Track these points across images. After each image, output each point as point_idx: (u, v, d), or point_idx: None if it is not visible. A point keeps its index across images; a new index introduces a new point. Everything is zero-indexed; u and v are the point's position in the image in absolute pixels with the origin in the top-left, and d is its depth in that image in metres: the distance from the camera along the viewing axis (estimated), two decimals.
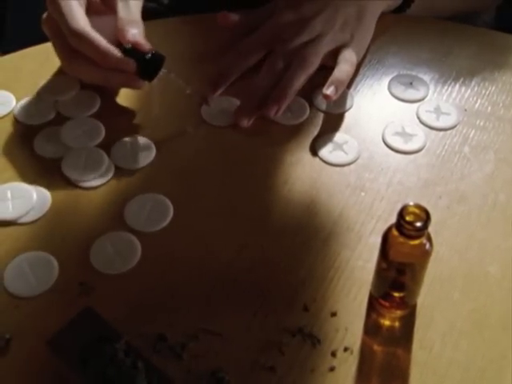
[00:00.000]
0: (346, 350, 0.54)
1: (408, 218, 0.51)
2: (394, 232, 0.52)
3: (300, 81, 0.71)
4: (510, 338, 0.55)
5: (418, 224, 0.50)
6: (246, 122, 0.70)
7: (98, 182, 0.65)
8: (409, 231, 0.51)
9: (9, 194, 0.63)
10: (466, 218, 0.63)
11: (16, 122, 0.71)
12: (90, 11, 0.67)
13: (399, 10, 0.81)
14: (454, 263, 0.60)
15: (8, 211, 0.62)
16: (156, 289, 0.57)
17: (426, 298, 0.57)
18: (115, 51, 0.65)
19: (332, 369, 0.53)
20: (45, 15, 0.68)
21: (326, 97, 0.69)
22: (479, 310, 0.57)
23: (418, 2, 0.81)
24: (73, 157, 0.66)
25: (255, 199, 0.65)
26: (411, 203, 0.51)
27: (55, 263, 0.58)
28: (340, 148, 0.68)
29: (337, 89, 0.70)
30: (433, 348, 0.55)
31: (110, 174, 0.66)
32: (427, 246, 0.53)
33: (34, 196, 0.63)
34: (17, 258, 0.58)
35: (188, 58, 0.76)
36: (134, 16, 0.67)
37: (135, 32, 0.66)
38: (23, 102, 0.72)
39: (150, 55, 0.66)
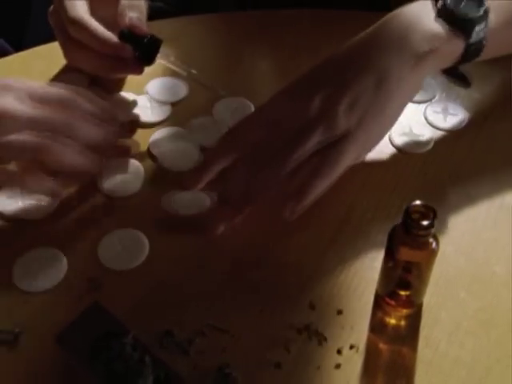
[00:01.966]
0: (351, 347, 0.55)
1: (414, 217, 0.51)
2: (401, 231, 0.52)
3: (264, 187, 0.59)
4: None
5: (425, 223, 0.51)
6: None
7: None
8: (415, 230, 0.51)
9: (19, 192, 0.64)
10: (473, 219, 0.63)
11: None
12: (95, 2, 0.67)
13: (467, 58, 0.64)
14: (460, 263, 0.60)
15: (18, 207, 0.62)
16: (164, 285, 0.58)
17: (433, 297, 0.58)
18: (112, 37, 0.65)
19: (338, 366, 0.54)
20: (51, 8, 0.69)
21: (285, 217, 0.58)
22: (485, 309, 0.57)
23: (491, 43, 0.64)
24: None
25: None
26: (418, 202, 0.51)
27: (64, 259, 0.59)
28: None
29: (293, 209, 0.58)
30: (438, 347, 0.55)
31: None
32: (433, 244, 0.53)
33: None
34: (26, 254, 0.59)
35: (196, 58, 0.77)
36: (136, 1, 0.68)
37: (133, 16, 0.66)
38: None
39: (147, 39, 0.66)
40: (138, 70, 0.68)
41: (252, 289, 0.58)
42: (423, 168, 0.68)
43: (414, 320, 0.57)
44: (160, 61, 0.68)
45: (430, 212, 0.51)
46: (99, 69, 0.68)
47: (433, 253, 0.53)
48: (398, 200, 0.65)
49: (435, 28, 0.62)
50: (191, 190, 0.61)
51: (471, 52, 0.63)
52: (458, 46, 0.62)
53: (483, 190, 0.66)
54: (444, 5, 0.62)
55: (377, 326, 0.56)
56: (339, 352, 0.54)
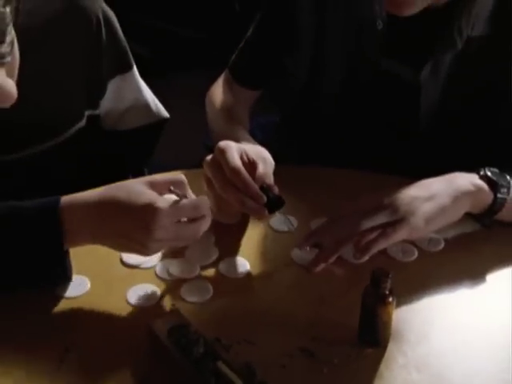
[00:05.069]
0: (335, 364, 0.83)
1: (377, 277, 0.82)
2: (369, 288, 0.83)
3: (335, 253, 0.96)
4: (449, 373, 0.82)
5: (384, 279, 0.81)
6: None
7: None
8: (377, 285, 0.82)
9: None
10: (432, 307, 0.93)
11: None
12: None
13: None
14: (419, 348, 0.87)
15: (134, 261, 0.98)
16: (217, 313, 0.90)
17: (395, 345, 0.86)
18: (256, 187, 0.94)
19: (322, 372, 0.82)
20: (209, 158, 0.97)
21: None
22: (431, 356, 0.85)
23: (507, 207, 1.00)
24: None
25: (295, 269, 0.98)
26: (379, 268, 0.82)
27: (158, 292, 0.92)
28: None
29: (360, 256, 0.95)
30: (393, 371, 0.82)
31: None
32: (390, 298, 0.83)
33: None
34: (134, 287, 0.93)
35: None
36: (268, 171, 0.99)
37: (270, 179, 0.98)
38: None
39: (275, 197, 0.96)
40: (262, 214, 0.95)
41: (274, 322, 0.89)
42: (406, 272, 0.98)
43: (378, 353, 0.85)
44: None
45: (387, 274, 0.82)
46: (238, 203, 0.94)
47: (391, 303, 0.83)
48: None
49: (475, 180, 1.00)
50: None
51: (497, 205, 0.99)
52: (488, 197, 0.99)
53: (446, 290, 0.95)
54: (484, 173, 1.00)
55: (353, 354, 0.84)
56: (325, 365, 0.83)
